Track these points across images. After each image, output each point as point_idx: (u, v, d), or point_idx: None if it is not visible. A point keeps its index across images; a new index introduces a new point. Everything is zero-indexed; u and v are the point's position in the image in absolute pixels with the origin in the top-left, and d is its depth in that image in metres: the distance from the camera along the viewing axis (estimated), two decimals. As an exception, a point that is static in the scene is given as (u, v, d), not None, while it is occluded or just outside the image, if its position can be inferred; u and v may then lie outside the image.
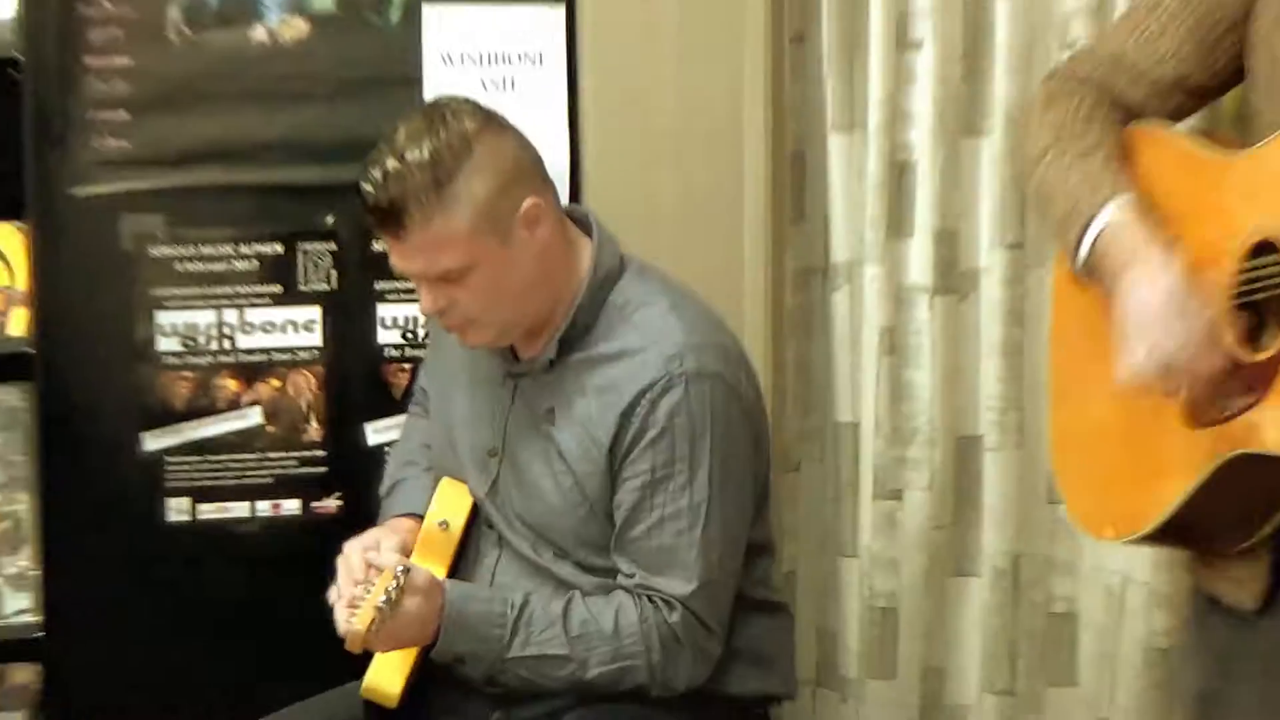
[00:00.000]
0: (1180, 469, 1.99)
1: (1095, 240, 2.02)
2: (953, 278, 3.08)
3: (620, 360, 2.33)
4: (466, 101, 2.32)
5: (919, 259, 3.07)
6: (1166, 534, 2.05)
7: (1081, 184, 2.04)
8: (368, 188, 2.24)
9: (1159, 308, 1.93)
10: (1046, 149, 2.10)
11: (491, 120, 2.30)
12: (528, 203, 2.27)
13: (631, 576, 2.33)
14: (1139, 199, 2.01)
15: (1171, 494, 2.00)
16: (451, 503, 2.49)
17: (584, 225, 2.42)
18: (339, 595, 2.29)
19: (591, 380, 2.34)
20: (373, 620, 2.14)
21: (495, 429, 2.44)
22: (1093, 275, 2.04)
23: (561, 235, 2.36)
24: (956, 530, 3.13)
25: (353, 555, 2.36)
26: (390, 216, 2.23)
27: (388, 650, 2.31)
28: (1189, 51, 2.10)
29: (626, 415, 2.30)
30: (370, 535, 2.43)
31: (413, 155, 2.22)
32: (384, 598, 2.15)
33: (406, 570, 2.20)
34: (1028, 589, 3.12)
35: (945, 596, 3.16)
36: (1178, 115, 2.16)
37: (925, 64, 3.02)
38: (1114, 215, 2.01)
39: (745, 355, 2.42)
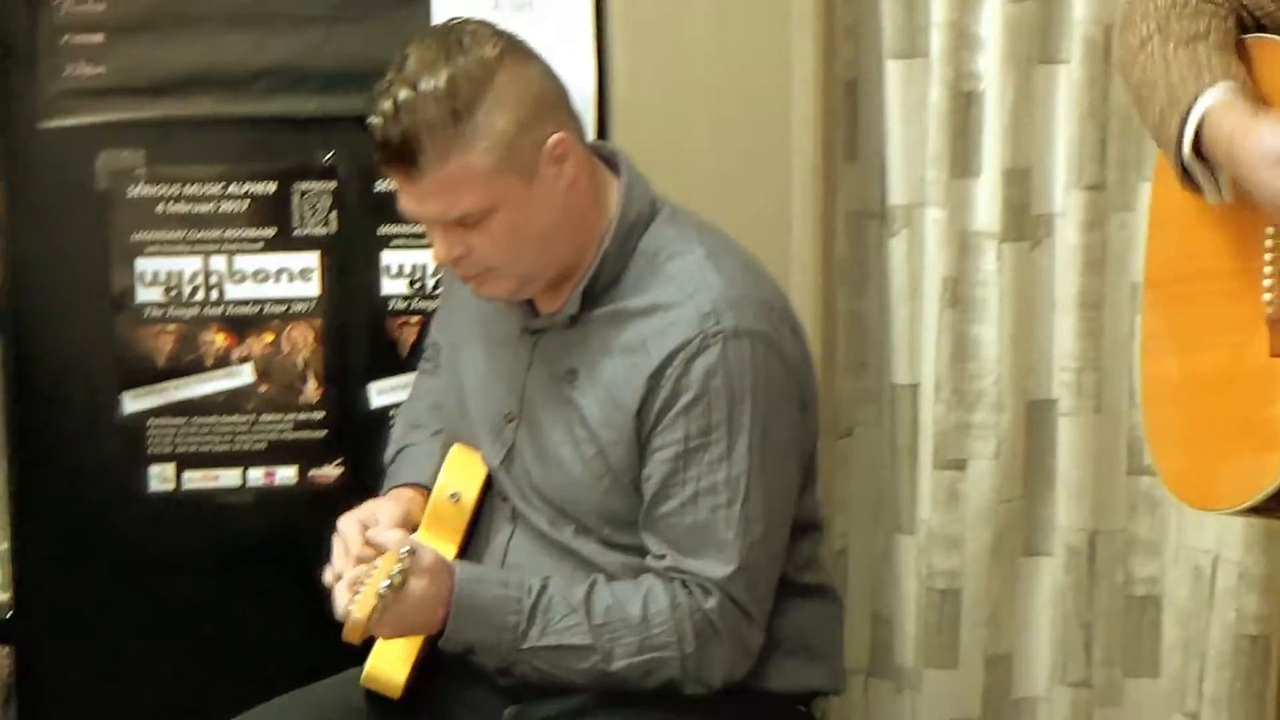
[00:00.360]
0: None
1: (1200, 124, 1.99)
2: (1024, 222, 2.99)
3: (650, 316, 2.21)
4: (485, 24, 2.20)
5: (986, 201, 2.98)
6: (1276, 503, 1.99)
7: (1186, 70, 2.02)
8: (376, 121, 2.12)
9: None
10: (1149, 37, 2.07)
11: (514, 45, 2.19)
12: (554, 138, 2.17)
13: (662, 558, 2.22)
14: (1243, 85, 2.01)
15: None
16: (463, 472, 2.37)
17: (611, 163, 2.31)
18: (337, 576, 2.20)
19: (618, 338, 2.23)
20: (374, 607, 2.04)
21: (512, 391, 2.32)
22: (1201, 163, 2.01)
23: (589, 174, 2.25)
24: (1026, 504, 3.06)
25: (349, 532, 2.26)
26: (402, 153, 2.11)
27: (391, 637, 2.22)
28: None
29: (656, 378, 2.19)
30: (367, 508, 2.34)
31: (427, 84, 2.10)
32: (386, 582, 2.05)
33: (411, 551, 2.10)
34: (1105, 569, 3.05)
35: (1013, 577, 3.08)
36: None
37: (994, -19, 2.95)
38: (1220, 97, 1.99)
39: (791, 309, 2.31)
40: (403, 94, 2.10)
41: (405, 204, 2.18)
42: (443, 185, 2.12)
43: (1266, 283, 1.97)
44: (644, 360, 2.19)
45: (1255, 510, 2.01)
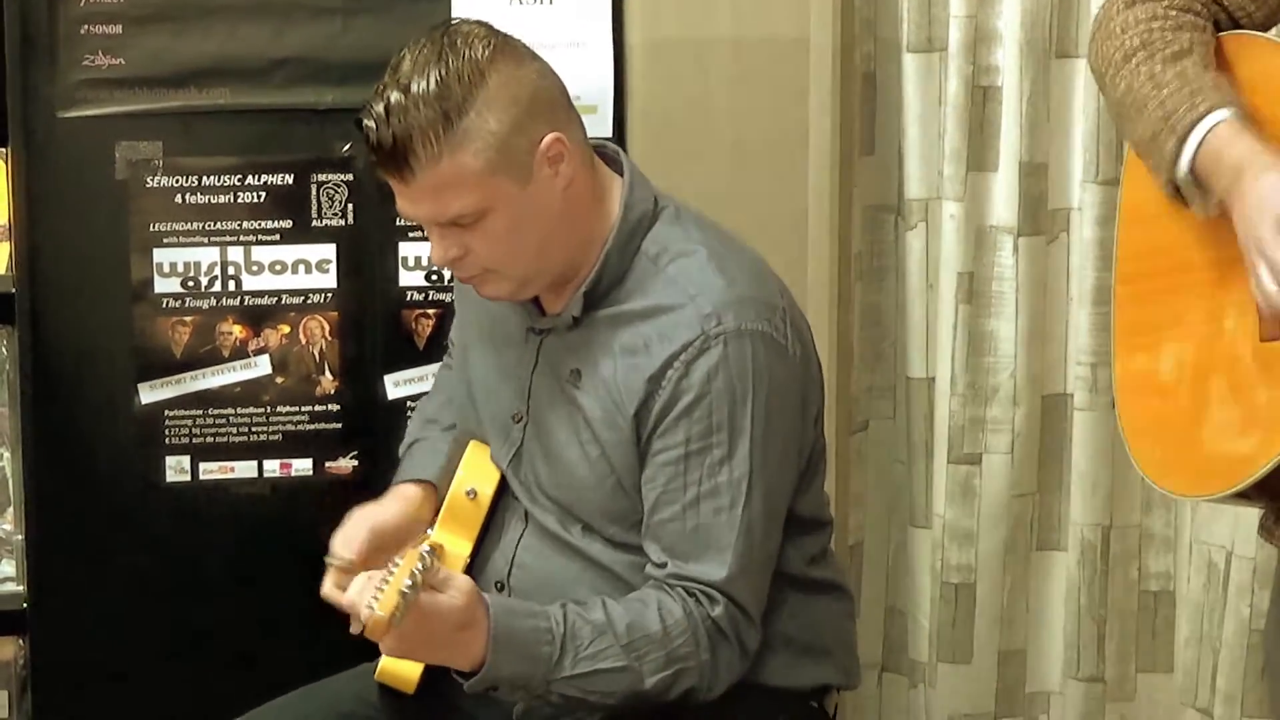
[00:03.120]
0: None
1: (1199, 147, 1.98)
2: (1040, 217, 3.00)
3: (652, 318, 2.19)
4: (480, 25, 2.18)
5: (1003, 196, 3.00)
6: (1263, 488, 1.98)
7: (1179, 90, 2.01)
8: (369, 124, 2.12)
9: None
10: (1133, 52, 2.06)
11: (507, 45, 2.16)
12: (549, 138, 2.14)
13: (663, 566, 2.19)
14: (1243, 109, 2.00)
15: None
16: (481, 468, 2.36)
17: (614, 164, 2.28)
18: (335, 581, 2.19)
19: (620, 339, 2.21)
20: (397, 605, 1.96)
21: (519, 392, 2.31)
22: (1196, 186, 2.01)
23: (590, 174, 2.22)
24: (1040, 498, 3.08)
25: (341, 551, 2.27)
26: (394, 156, 2.10)
27: (409, 653, 2.15)
28: None
29: (655, 381, 2.17)
30: (358, 522, 2.31)
31: (418, 87, 2.09)
32: (409, 581, 1.98)
33: (433, 550, 2.05)
34: (1119, 564, 3.06)
35: (1027, 572, 3.10)
36: (1269, 22, 2.11)
37: (1013, -23, 2.94)
38: (1221, 120, 1.98)
39: (795, 309, 2.28)
40: (394, 96, 2.09)
41: (401, 206, 2.17)
42: (435, 187, 2.10)
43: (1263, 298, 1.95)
44: (645, 362, 2.17)
45: (1241, 496, 2.00)
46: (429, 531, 2.32)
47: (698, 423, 2.15)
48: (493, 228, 2.14)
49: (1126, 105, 2.07)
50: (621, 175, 2.25)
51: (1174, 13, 2.07)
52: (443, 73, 2.09)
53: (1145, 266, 2.16)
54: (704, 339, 2.14)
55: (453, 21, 2.19)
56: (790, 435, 2.21)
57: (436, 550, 2.11)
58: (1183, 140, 1.98)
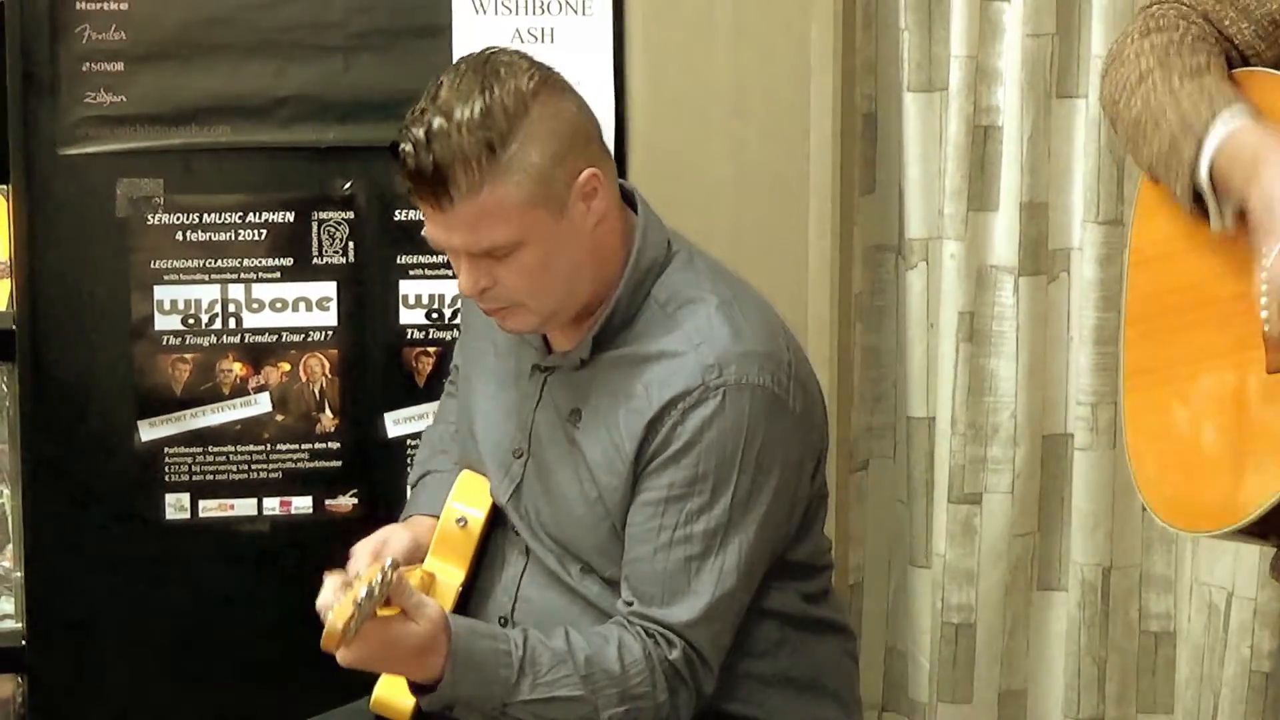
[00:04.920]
0: None
1: (1217, 150, 1.99)
2: (1041, 257, 2.99)
3: (656, 363, 2.18)
4: (521, 55, 2.16)
5: (1004, 235, 2.98)
6: (1266, 524, 1.97)
7: (1197, 98, 2.03)
8: (407, 148, 2.07)
9: None
10: (1148, 72, 2.08)
11: (550, 78, 2.15)
12: (586, 173, 2.13)
13: (630, 605, 2.19)
14: (1254, 108, 2.01)
15: None
16: (472, 496, 2.35)
17: (629, 201, 2.27)
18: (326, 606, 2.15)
19: (624, 383, 2.19)
20: (350, 615, 1.95)
21: (521, 427, 2.30)
22: (1215, 190, 2.00)
23: (618, 212, 2.21)
24: (1041, 538, 3.06)
25: (359, 557, 2.27)
26: (433, 183, 2.07)
27: (369, 666, 2.12)
28: None
29: (653, 425, 2.16)
30: (379, 535, 2.33)
31: (462, 113, 2.06)
32: (365, 590, 1.97)
33: (396, 564, 2.03)
34: (1119, 605, 3.05)
35: (1027, 612, 3.08)
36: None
37: (1013, 17, 2.94)
38: (1236, 120, 1.99)
39: (802, 361, 2.25)
40: (436, 122, 2.05)
41: (432, 233, 2.13)
42: (473, 216, 2.08)
43: (1264, 300, 1.95)
44: (645, 406, 2.16)
45: (1248, 532, 1.99)
46: (423, 564, 2.31)
47: (684, 470, 2.14)
48: (525, 260, 2.12)
49: (1142, 124, 2.07)
50: (635, 213, 2.24)
51: (1189, 39, 2.08)
52: (487, 100, 2.06)
53: (1154, 306, 2.16)
54: (703, 389, 2.13)
55: (491, 50, 2.16)
56: (780, 493, 2.20)
57: (397, 566, 2.06)
58: (1201, 141, 1.99)
